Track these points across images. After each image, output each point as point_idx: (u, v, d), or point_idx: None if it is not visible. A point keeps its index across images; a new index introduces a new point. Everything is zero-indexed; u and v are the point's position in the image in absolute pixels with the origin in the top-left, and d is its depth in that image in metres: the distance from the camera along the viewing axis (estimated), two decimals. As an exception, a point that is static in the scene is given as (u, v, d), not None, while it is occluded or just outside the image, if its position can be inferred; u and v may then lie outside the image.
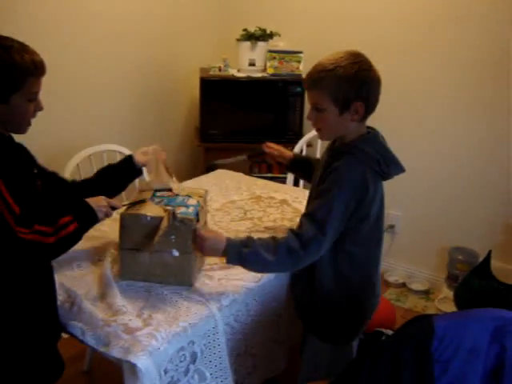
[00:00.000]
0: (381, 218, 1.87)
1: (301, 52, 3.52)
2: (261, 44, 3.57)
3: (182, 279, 1.78)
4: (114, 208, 1.74)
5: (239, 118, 3.56)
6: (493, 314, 1.36)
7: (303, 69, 3.52)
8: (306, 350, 1.97)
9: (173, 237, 1.72)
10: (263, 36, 3.57)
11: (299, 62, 3.50)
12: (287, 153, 2.17)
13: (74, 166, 2.66)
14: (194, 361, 1.60)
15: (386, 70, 3.41)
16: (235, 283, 1.81)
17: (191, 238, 1.72)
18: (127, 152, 2.89)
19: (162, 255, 1.75)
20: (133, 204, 1.83)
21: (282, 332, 2.00)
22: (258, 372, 1.92)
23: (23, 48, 1.48)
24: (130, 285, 1.78)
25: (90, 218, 1.65)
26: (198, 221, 1.77)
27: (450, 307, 3.20)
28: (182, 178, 2.17)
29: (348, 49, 1.74)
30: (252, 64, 3.61)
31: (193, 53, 3.91)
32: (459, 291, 3.08)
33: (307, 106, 1.84)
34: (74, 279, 1.81)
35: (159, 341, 1.49)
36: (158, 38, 3.64)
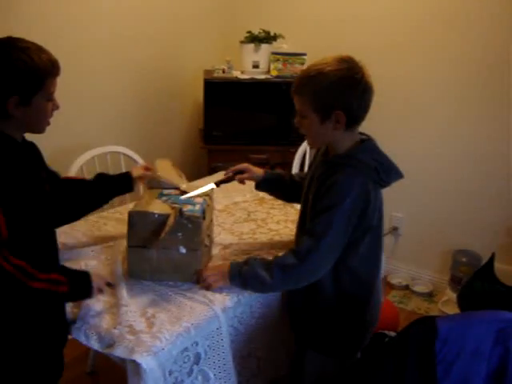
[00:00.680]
0: (380, 227, 1.82)
1: (304, 54, 3.52)
2: (264, 46, 3.58)
3: (188, 276, 1.79)
4: (108, 284, 1.69)
5: (243, 119, 3.56)
6: (496, 317, 1.37)
7: (307, 71, 3.51)
8: (307, 363, 1.92)
9: (180, 234, 1.73)
10: (267, 38, 3.58)
11: (303, 64, 3.50)
12: (257, 174, 2.04)
13: (78, 168, 2.67)
14: (197, 362, 1.60)
15: (391, 72, 3.45)
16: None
17: (198, 236, 1.74)
18: (131, 153, 2.91)
19: (170, 252, 1.76)
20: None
21: (286, 333, 2.00)
22: (263, 373, 1.92)
23: (39, 48, 1.47)
24: (136, 283, 1.79)
25: (84, 293, 1.59)
26: (204, 218, 1.79)
27: (453, 309, 3.20)
28: (187, 180, 2.18)
29: (341, 53, 1.69)
30: (256, 66, 3.61)
31: (196, 55, 3.91)
32: (462, 293, 3.07)
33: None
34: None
35: (163, 342, 1.49)
36: (162, 39, 3.65)
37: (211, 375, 1.64)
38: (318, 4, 3.68)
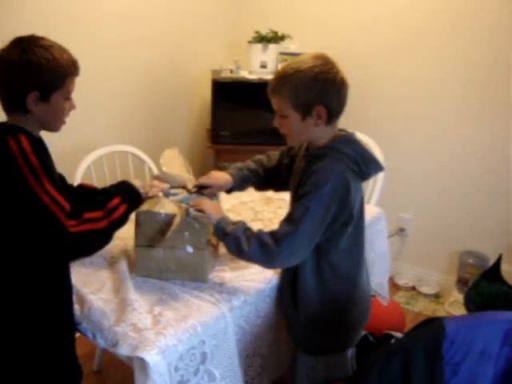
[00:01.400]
0: (361, 223, 1.82)
1: (312, 54, 3.52)
2: (272, 46, 3.58)
3: (195, 275, 1.80)
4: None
5: (250, 119, 3.56)
6: (503, 317, 1.37)
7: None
8: (298, 364, 1.93)
9: (187, 233, 1.74)
10: (275, 38, 3.58)
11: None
12: (224, 183, 1.99)
13: (86, 167, 2.68)
14: (203, 361, 1.60)
15: (397, 72, 3.45)
16: (246, 284, 1.82)
17: (205, 235, 1.75)
18: (138, 153, 2.92)
19: (176, 251, 1.77)
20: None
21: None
22: (267, 372, 1.93)
23: (61, 47, 1.52)
24: (144, 281, 1.80)
25: (137, 198, 1.69)
26: None
27: (460, 311, 3.19)
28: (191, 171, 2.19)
29: (314, 52, 1.70)
30: (263, 66, 3.61)
31: (204, 55, 3.92)
32: (469, 295, 3.07)
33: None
34: (86, 275, 1.83)
35: (168, 337, 1.50)
36: (170, 40, 3.66)
37: (217, 374, 1.64)
38: (325, 4, 3.69)
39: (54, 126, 1.59)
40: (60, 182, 1.71)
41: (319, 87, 1.63)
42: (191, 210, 1.75)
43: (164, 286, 1.77)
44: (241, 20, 4.05)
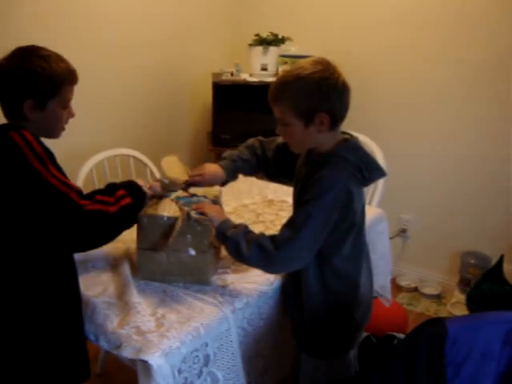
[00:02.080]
0: (362, 226, 1.81)
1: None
2: (273, 49, 3.59)
3: (198, 278, 1.80)
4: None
5: (251, 122, 3.56)
6: (506, 317, 1.37)
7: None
8: (301, 366, 1.92)
9: (189, 236, 1.75)
10: (275, 41, 3.59)
11: (311, 66, 3.51)
12: (217, 176, 1.99)
13: (88, 171, 2.69)
14: (206, 363, 1.60)
15: (397, 74, 3.46)
16: (249, 286, 1.82)
17: (207, 238, 1.75)
18: (140, 156, 2.93)
19: (179, 254, 1.78)
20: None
21: (291, 333, 2.00)
22: (270, 373, 1.93)
23: (59, 57, 1.57)
24: (147, 284, 1.81)
25: (140, 192, 1.72)
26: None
27: (462, 311, 3.20)
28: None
29: (314, 57, 1.67)
30: (264, 69, 3.62)
31: (205, 57, 3.93)
32: (471, 295, 3.07)
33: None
34: (89, 279, 1.84)
35: (171, 340, 1.51)
36: (171, 42, 3.67)
37: (220, 377, 1.65)
38: (325, 7, 3.69)
39: (51, 132, 1.64)
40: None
41: (321, 94, 1.61)
42: (193, 213, 1.75)
43: (167, 289, 1.78)
44: (241, 23, 4.06)
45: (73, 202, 1.46)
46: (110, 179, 2.73)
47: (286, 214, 2.43)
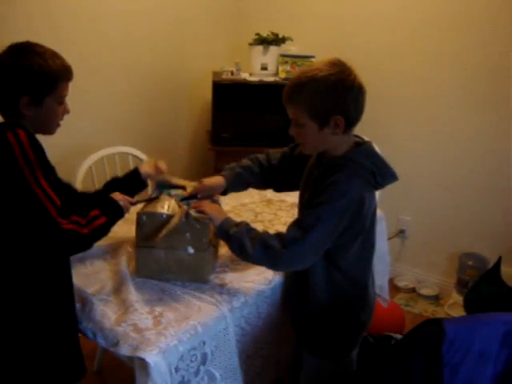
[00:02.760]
0: (372, 230, 1.79)
1: (313, 56, 3.52)
2: (273, 48, 3.59)
3: (196, 276, 1.80)
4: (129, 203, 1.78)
5: (251, 121, 3.56)
6: (503, 319, 1.37)
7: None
8: (304, 368, 1.92)
9: (188, 234, 1.75)
10: (275, 40, 3.59)
11: (311, 66, 3.51)
12: (217, 184, 1.96)
13: (87, 168, 2.69)
14: (204, 362, 1.61)
15: (397, 74, 3.46)
16: (247, 285, 1.82)
17: (206, 236, 1.75)
18: (139, 154, 2.93)
19: (178, 253, 1.78)
20: (147, 201, 1.86)
21: (289, 333, 2.00)
22: (267, 372, 1.93)
23: (55, 54, 1.57)
24: (144, 282, 1.81)
25: (117, 212, 1.70)
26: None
27: (459, 312, 3.20)
28: (193, 181, 2.19)
29: (329, 57, 1.63)
30: (264, 68, 3.62)
31: (205, 56, 3.93)
32: (469, 297, 3.07)
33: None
34: (86, 276, 1.84)
35: (168, 338, 1.51)
36: (171, 41, 3.67)
37: (217, 375, 1.65)
38: (326, 7, 3.70)
39: (47, 128, 1.64)
40: (53, 174, 1.73)
41: (337, 96, 1.58)
42: (192, 212, 1.75)
43: (165, 287, 1.78)
44: (241, 22, 4.06)
45: (51, 218, 1.45)
46: (109, 177, 2.73)
47: (285, 213, 2.44)
